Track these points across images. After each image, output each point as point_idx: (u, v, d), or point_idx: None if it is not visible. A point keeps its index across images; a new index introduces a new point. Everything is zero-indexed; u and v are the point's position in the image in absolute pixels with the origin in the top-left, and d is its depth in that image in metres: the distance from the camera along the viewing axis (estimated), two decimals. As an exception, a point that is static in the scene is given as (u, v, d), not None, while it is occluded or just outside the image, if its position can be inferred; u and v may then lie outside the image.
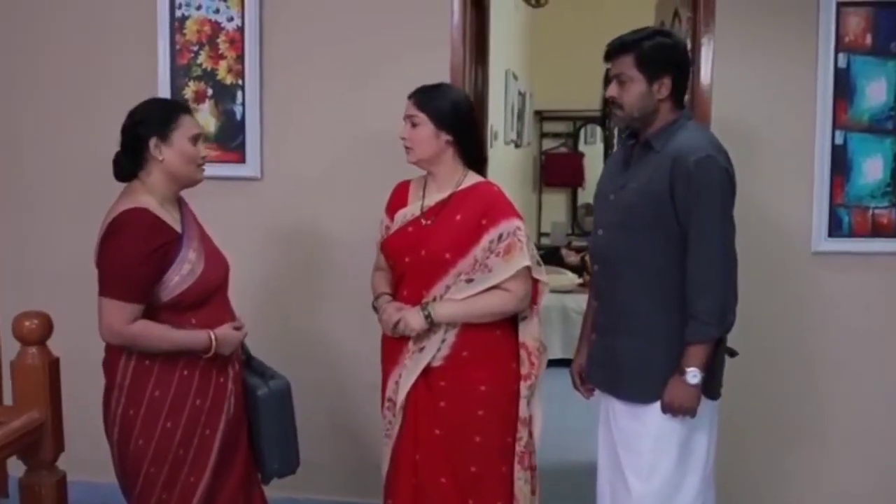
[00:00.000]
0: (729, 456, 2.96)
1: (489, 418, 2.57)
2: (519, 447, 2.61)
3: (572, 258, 6.90)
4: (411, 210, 2.63)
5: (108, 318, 2.31)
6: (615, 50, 2.42)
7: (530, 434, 2.63)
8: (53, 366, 2.42)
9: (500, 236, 2.50)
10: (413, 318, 2.52)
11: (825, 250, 3.25)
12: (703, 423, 2.42)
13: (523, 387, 2.59)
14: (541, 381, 2.64)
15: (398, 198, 2.70)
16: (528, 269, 2.53)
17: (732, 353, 2.50)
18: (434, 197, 2.61)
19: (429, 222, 2.58)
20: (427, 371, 2.56)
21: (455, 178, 2.60)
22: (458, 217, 2.54)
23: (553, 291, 5.87)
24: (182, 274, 2.36)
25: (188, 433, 2.39)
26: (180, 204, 2.49)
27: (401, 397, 2.58)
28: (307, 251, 3.52)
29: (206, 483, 2.43)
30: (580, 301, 5.76)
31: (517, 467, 2.60)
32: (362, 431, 3.43)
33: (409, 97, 2.59)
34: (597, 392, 2.66)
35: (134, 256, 2.29)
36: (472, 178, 2.62)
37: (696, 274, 2.32)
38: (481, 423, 2.56)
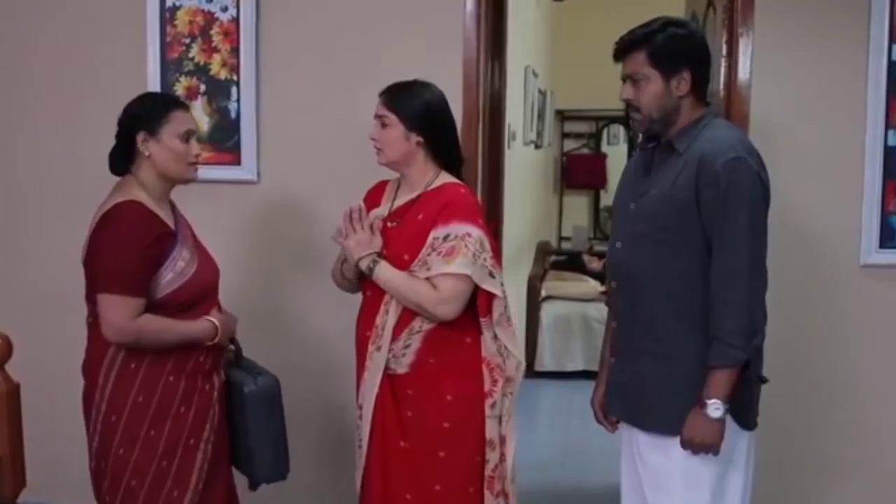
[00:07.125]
0: (765, 491, 2.77)
1: (455, 432, 2.49)
2: (487, 470, 2.52)
3: (594, 265, 6.81)
4: (380, 211, 2.60)
5: (112, 315, 2.26)
6: (625, 47, 2.28)
7: (502, 457, 2.54)
8: (13, 393, 2.22)
9: (447, 236, 2.44)
10: (357, 253, 2.47)
11: (876, 262, 3.11)
12: (739, 457, 2.24)
13: (486, 405, 2.50)
14: (512, 400, 2.54)
15: (373, 198, 2.66)
16: (466, 278, 2.42)
17: (763, 380, 2.31)
18: (404, 198, 2.58)
19: (394, 224, 2.55)
20: (393, 379, 2.50)
21: (426, 179, 2.55)
22: (420, 217, 2.51)
23: (575, 300, 5.87)
24: (176, 271, 2.33)
25: (172, 443, 2.35)
26: (172, 206, 2.48)
27: (367, 404, 2.53)
28: (307, 260, 3.35)
29: (190, 498, 2.38)
30: (603, 310, 5.52)
31: (486, 493, 2.51)
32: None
33: (380, 95, 2.54)
34: (620, 424, 2.47)
35: (131, 249, 2.27)
36: (443, 179, 2.56)
37: (721, 290, 2.16)
38: (447, 436, 2.48)
